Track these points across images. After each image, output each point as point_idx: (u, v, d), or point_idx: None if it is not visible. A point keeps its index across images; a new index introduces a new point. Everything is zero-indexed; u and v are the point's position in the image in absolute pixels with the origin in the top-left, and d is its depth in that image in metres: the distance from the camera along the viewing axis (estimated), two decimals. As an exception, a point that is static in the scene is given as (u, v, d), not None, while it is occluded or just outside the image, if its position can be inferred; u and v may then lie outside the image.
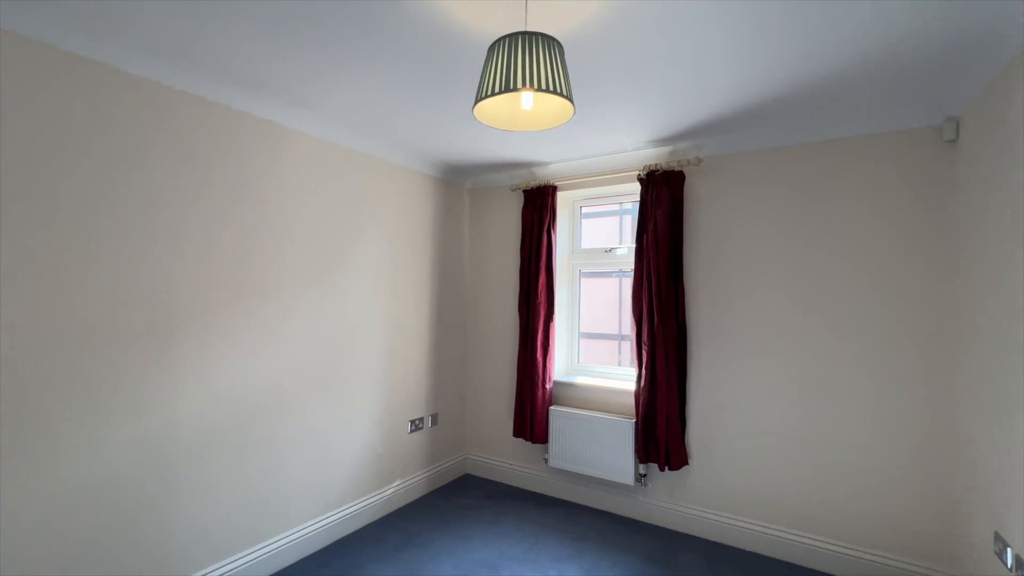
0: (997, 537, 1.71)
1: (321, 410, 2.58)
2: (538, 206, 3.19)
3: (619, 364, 3.28)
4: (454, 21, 1.58)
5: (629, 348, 3.22)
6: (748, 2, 1.46)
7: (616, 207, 3.35)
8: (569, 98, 1.32)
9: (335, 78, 1.99)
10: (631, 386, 2.99)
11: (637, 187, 2.99)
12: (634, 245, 2.90)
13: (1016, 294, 1.60)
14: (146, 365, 1.89)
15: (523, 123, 1.53)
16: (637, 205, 3.10)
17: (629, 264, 3.13)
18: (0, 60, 1.54)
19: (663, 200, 2.72)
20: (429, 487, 3.28)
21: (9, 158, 1.56)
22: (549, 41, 1.31)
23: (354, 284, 2.76)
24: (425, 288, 3.28)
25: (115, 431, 1.81)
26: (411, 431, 3.16)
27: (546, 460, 3.19)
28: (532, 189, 3.23)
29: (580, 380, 3.19)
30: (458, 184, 3.58)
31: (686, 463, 2.72)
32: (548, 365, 3.14)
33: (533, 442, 3.16)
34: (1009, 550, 1.62)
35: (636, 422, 2.83)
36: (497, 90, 1.27)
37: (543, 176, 3.29)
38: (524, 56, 1.27)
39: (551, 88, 1.27)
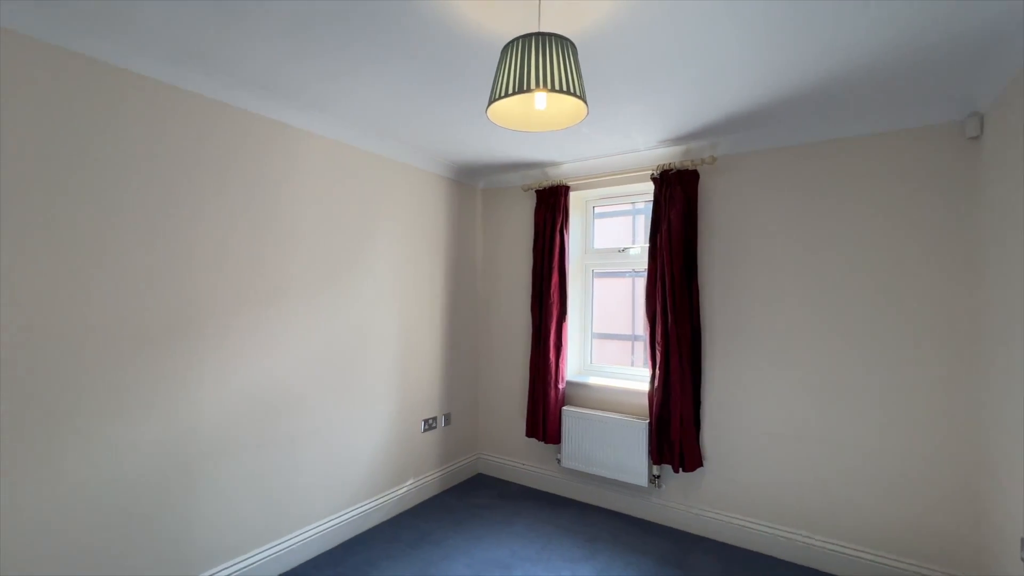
0: None
1: (335, 409, 2.61)
2: (551, 206, 3.19)
3: (632, 364, 3.26)
4: (467, 22, 1.58)
5: (642, 348, 3.20)
6: (762, 0, 1.44)
7: (629, 207, 3.34)
8: (583, 98, 1.32)
9: (348, 80, 2.02)
10: (644, 387, 2.97)
11: (650, 187, 2.97)
12: (647, 245, 2.88)
13: (1043, 294, 1.56)
14: (166, 366, 1.93)
15: (536, 123, 1.54)
16: (650, 205, 3.08)
17: (642, 264, 3.11)
18: (25, 64, 1.58)
19: (677, 200, 2.70)
20: (442, 486, 3.30)
21: (28, 161, 1.61)
22: (562, 41, 1.31)
23: (367, 285, 2.79)
24: (438, 288, 3.30)
25: (137, 430, 1.85)
26: (424, 430, 3.18)
27: (559, 460, 3.19)
28: (545, 189, 3.23)
29: (593, 380, 3.18)
30: (471, 184, 3.59)
31: (700, 465, 2.69)
32: (561, 365, 3.14)
33: (546, 442, 3.15)
34: (1036, 557, 1.58)
35: (650, 423, 2.81)
36: (511, 91, 1.28)
37: (556, 176, 3.29)
38: (537, 57, 1.27)
39: (564, 88, 1.27)
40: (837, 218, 2.42)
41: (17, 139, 1.57)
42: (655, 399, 2.76)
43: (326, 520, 2.55)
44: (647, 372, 3.06)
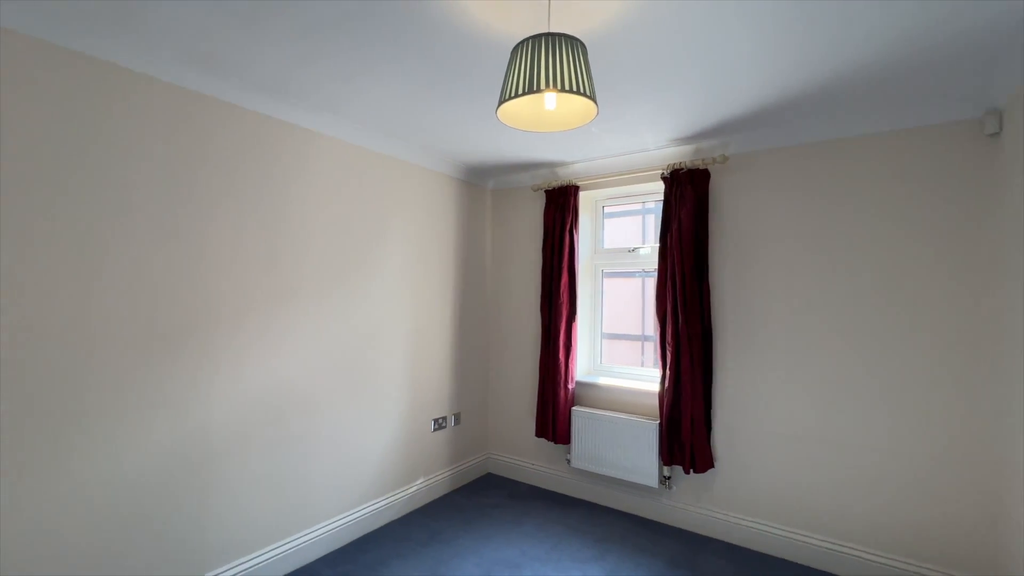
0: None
1: (346, 408, 2.63)
2: (560, 206, 3.19)
3: (642, 365, 3.25)
4: (478, 24, 1.59)
5: (652, 349, 3.19)
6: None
7: (639, 206, 3.32)
8: (592, 98, 1.32)
9: (359, 81, 2.03)
10: (655, 387, 2.95)
11: (661, 186, 2.95)
12: (657, 245, 2.87)
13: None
14: (177, 366, 1.96)
15: (546, 124, 1.54)
16: (660, 204, 3.07)
17: (652, 264, 3.09)
18: (47, 68, 1.62)
19: (687, 199, 2.68)
20: (452, 486, 3.31)
21: (43, 162, 1.64)
22: (572, 42, 1.31)
23: (378, 285, 2.81)
24: (448, 288, 3.32)
25: (149, 429, 1.88)
26: (434, 430, 3.19)
27: (568, 460, 3.18)
28: (554, 189, 3.23)
29: (603, 381, 3.17)
30: (480, 185, 3.60)
31: (712, 466, 2.67)
32: (570, 365, 3.14)
33: (555, 442, 3.15)
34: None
35: (660, 423, 2.80)
36: (520, 91, 1.28)
37: (565, 176, 3.28)
38: (547, 57, 1.28)
39: (574, 88, 1.27)
40: (850, 217, 2.39)
41: (34, 141, 1.60)
42: (666, 400, 2.75)
43: (337, 518, 2.57)
44: (657, 372, 3.04)
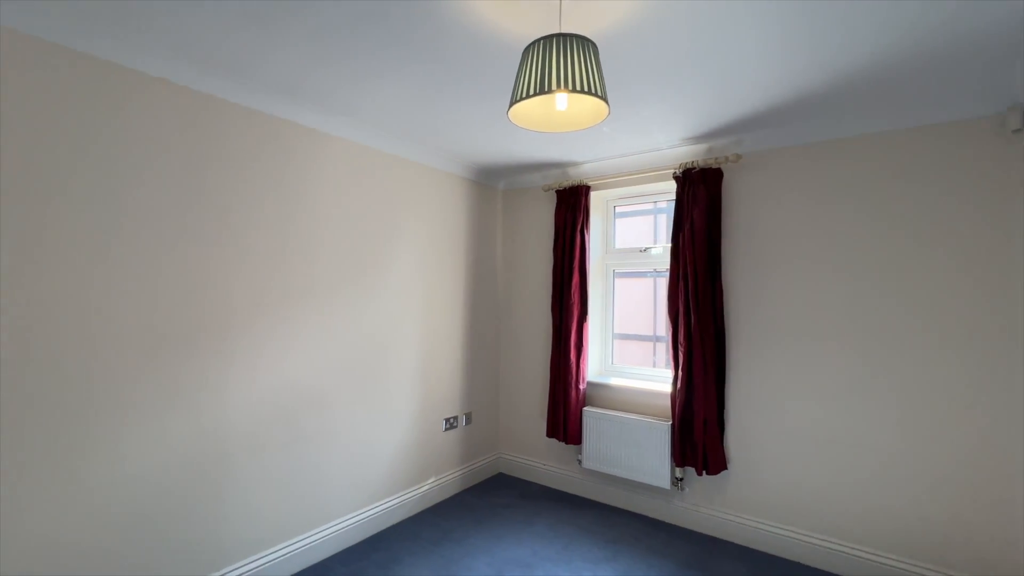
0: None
1: (358, 408, 2.65)
2: (571, 206, 3.18)
3: (654, 366, 3.23)
4: (489, 25, 1.59)
5: (664, 349, 3.17)
6: (790, -7, 1.41)
7: (650, 206, 3.30)
8: (604, 98, 1.31)
9: (370, 83, 2.05)
10: (667, 388, 2.94)
11: (672, 185, 2.93)
12: (669, 244, 2.85)
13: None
14: (195, 366, 2.00)
15: (558, 124, 1.54)
16: (672, 204, 3.04)
17: (664, 264, 3.07)
18: (69, 73, 1.66)
19: (700, 198, 2.66)
20: (463, 485, 3.33)
21: (62, 166, 1.68)
22: (583, 42, 1.31)
23: (390, 285, 2.83)
24: (459, 288, 3.33)
25: (167, 427, 1.92)
26: (446, 429, 3.21)
27: (580, 461, 3.18)
28: (565, 189, 3.22)
29: (614, 381, 3.16)
30: (491, 185, 3.61)
31: (725, 468, 2.65)
32: (581, 366, 3.13)
33: (567, 443, 3.15)
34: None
35: (672, 424, 2.78)
36: (532, 92, 1.28)
37: (576, 176, 3.28)
38: (558, 57, 1.28)
39: (585, 89, 1.27)
40: (865, 216, 2.35)
41: (52, 144, 1.64)
42: (678, 400, 2.73)
43: (349, 516, 2.59)
44: (669, 373, 3.02)
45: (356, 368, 2.64)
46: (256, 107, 2.16)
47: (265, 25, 1.61)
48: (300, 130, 2.35)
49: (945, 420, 2.17)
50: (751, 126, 2.48)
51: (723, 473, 2.71)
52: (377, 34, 1.66)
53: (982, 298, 2.11)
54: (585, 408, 3.13)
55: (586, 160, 3.14)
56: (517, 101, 1.33)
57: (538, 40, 1.32)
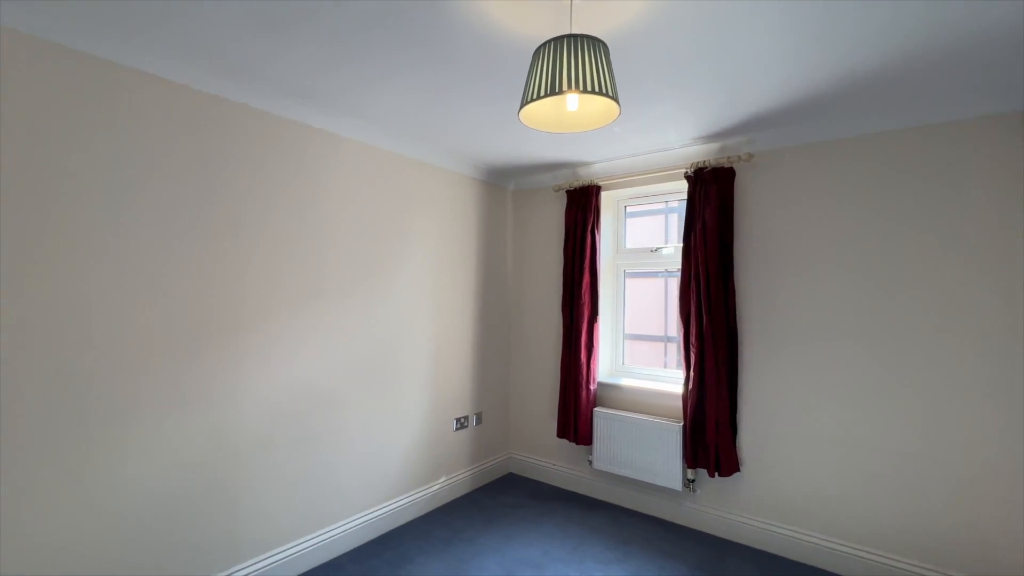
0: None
1: (369, 407, 2.67)
2: (581, 206, 3.17)
3: (665, 366, 3.21)
4: (500, 27, 1.60)
5: (675, 350, 3.15)
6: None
7: (662, 206, 3.29)
8: (615, 98, 1.31)
9: (381, 86, 2.06)
10: (678, 389, 2.92)
11: (684, 185, 2.91)
12: (681, 244, 2.83)
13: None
14: (210, 365, 2.03)
15: (568, 124, 1.54)
16: (684, 204, 3.02)
17: (675, 264, 3.06)
18: (90, 79, 1.70)
19: (712, 198, 2.64)
20: (473, 485, 3.34)
21: (89, 173, 1.72)
22: (594, 42, 1.31)
23: (401, 285, 2.85)
24: (470, 289, 3.34)
25: (191, 424, 1.96)
26: (456, 429, 3.22)
27: (590, 462, 3.17)
28: (575, 189, 3.22)
29: (625, 382, 3.15)
30: (502, 186, 3.62)
31: (737, 469, 2.62)
32: (592, 366, 3.12)
33: (577, 443, 3.14)
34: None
35: (684, 426, 2.76)
36: (543, 93, 1.29)
37: (586, 176, 3.27)
38: (569, 58, 1.28)
39: (596, 89, 1.27)
40: (880, 215, 2.31)
41: (74, 149, 1.68)
42: (689, 401, 2.71)
43: (361, 515, 2.62)
44: (681, 374, 3.00)
45: (367, 368, 2.66)
46: (268, 109, 2.19)
47: (277, 29, 1.63)
48: (311, 132, 2.37)
49: (963, 421, 2.13)
50: (763, 125, 2.45)
51: (736, 475, 2.68)
52: (389, 37, 1.67)
53: (998, 297, 2.06)
54: (596, 409, 3.12)
55: (596, 160, 3.13)
56: (528, 102, 1.33)
57: (549, 41, 1.33)
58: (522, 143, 2.80)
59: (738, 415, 2.69)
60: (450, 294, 3.19)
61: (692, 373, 2.70)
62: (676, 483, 2.78)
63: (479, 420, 3.41)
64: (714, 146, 2.73)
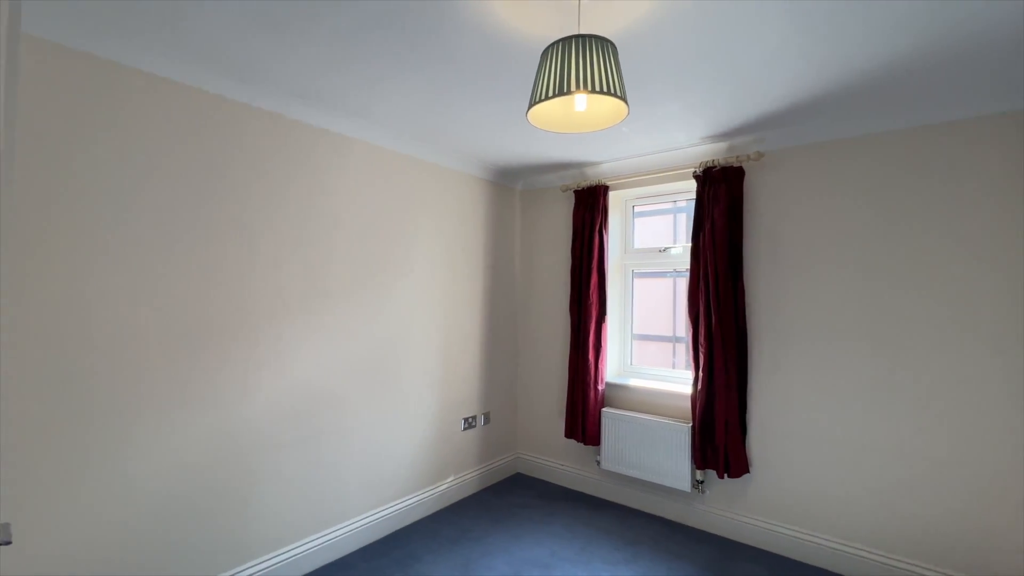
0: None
1: (378, 407, 2.69)
2: (589, 206, 3.17)
3: (673, 367, 3.19)
4: (507, 27, 1.60)
5: (684, 350, 3.13)
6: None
7: (670, 205, 3.27)
8: (623, 98, 1.31)
9: (387, 86, 2.07)
10: (687, 389, 2.90)
11: (692, 184, 2.90)
12: (689, 244, 2.82)
13: None
14: (224, 363, 2.05)
15: (577, 124, 1.54)
16: (692, 203, 3.01)
17: (684, 264, 3.04)
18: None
19: (721, 197, 2.63)
20: (481, 484, 3.34)
21: (102, 176, 1.75)
22: (602, 42, 1.31)
23: (409, 286, 2.86)
24: (477, 288, 3.35)
25: (198, 424, 1.98)
26: (464, 428, 3.23)
27: (598, 462, 3.16)
28: (583, 189, 3.21)
29: (633, 382, 3.14)
30: (509, 186, 3.62)
31: (747, 471, 2.61)
32: (600, 366, 3.12)
33: (585, 444, 3.14)
34: None
35: (693, 426, 2.75)
36: (551, 94, 1.29)
37: (594, 176, 3.26)
38: (577, 59, 1.28)
39: (605, 89, 1.27)
40: (891, 214, 2.29)
41: (86, 151, 1.71)
42: (698, 402, 2.70)
43: (371, 513, 2.63)
44: (689, 374, 2.98)
45: (375, 368, 2.67)
46: (272, 109, 2.19)
47: (280, 29, 1.64)
48: (316, 132, 2.38)
49: (975, 423, 2.10)
50: (773, 124, 2.43)
51: (745, 476, 2.67)
52: (394, 37, 1.68)
53: (1009, 297, 2.03)
54: (604, 409, 3.11)
55: (604, 160, 3.12)
56: (537, 102, 1.33)
57: (557, 41, 1.33)
58: (530, 143, 2.80)
59: (748, 416, 2.67)
60: (457, 294, 3.19)
61: (701, 373, 2.68)
62: (685, 484, 2.77)
63: (487, 420, 3.41)
64: (722, 145, 2.72)
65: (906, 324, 2.26)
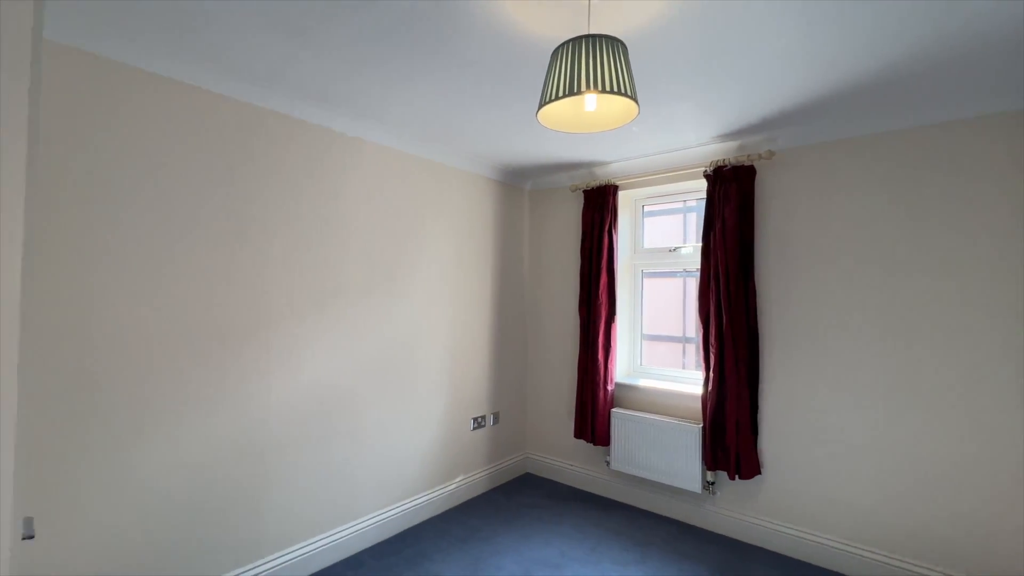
0: None
1: (388, 407, 2.70)
2: (599, 206, 3.16)
3: (683, 367, 3.18)
4: (518, 29, 1.60)
5: (694, 351, 3.12)
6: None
7: (680, 205, 3.25)
8: (633, 98, 1.31)
9: (401, 89, 2.08)
10: (697, 390, 2.89)
11: (703, 184, 2.88)
12: (700, 244, 2.80)
13: None
14: (237, 363, 2.08)
15: (587, 124, 1.54)
16: (702, 203, 2.99)
17: (694, 264, 3.02)
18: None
19: (732, 196, 2.61)
20: (490, 484, 3.35)
21: (122, 180, 1.78)
22: (613, 42, 1.31)
23: (419, 286, 2.88)
24: (487, 289, 3.35)
25: (212, 423, 2.01)
26: (474, 428, 3.24)
27: (608, 463, 3.16)
28: (592, 189, 3.21)
29: (643, 382, 3.13)
30: (518, 186, 3.62)
31: (759, 472, 2.58)
32: (610, 366, 3.11)
33: (595, 444, 3.13)
34: None
35: (703, 427, 2.73)
36: (561, 94, 1.29)
37: (604, 176, 3.26)
38: (588, 59, 1.28)
39: (615, 89, 1.27)
40: (906, 212, 2.26)
41: (112, 157, 1.74)
42: (709, 403, 2.68)
43: (382, 511, 2.65)
44: (700, 375, 2.97)
45: (386, 368, 2.69)
46: (286, 111, 2.22)
47: (295, 33, 1.66)
48: (330, 134, 2.41)
49: (993, 424, 2.07)
50: (784, 123, 2.41)
51: (756, 478, 2.64)
52: (408, 41, 1.69)
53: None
54: (613, 409, 3.10)
55: (614, 160, 3.11)
56: (547, 103, 1.33)
57: (567, 42, 1.33)
58: (539, 143, 2.80)
59: (759, 416, 2.65)
60: (467, 294, 3.20)
61: (712, 374, 2.67)
62: (695, 485, 2.76)
63: (496, 420, 3.42)
64: (733, 144, 2.70)
65: (922, 325, 2.23)
